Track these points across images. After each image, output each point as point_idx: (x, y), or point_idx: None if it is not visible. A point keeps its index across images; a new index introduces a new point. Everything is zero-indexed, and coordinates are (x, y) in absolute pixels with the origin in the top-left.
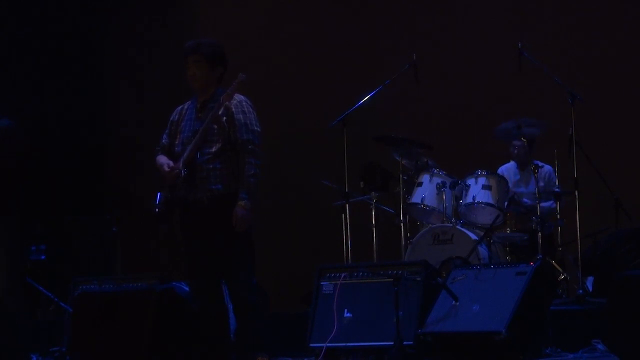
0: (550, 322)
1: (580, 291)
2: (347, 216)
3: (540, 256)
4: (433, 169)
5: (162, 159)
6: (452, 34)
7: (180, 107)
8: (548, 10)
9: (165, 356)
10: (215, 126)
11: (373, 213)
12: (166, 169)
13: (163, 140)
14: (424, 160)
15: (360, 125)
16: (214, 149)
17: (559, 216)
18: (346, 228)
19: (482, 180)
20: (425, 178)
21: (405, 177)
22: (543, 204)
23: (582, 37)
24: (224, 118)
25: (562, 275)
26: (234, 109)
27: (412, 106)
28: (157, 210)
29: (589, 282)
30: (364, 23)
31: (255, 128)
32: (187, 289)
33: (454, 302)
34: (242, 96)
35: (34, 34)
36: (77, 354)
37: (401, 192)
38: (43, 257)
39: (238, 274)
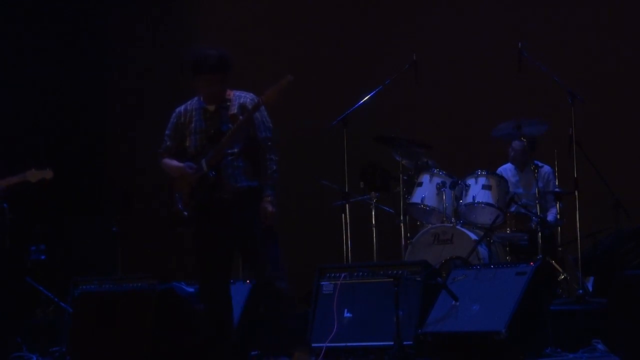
0: (550, 322)
1: (580, 291)
2: (347, 216)
3: (540, 256)
4: (433, 169)
5: (174, 162)
6: (452, 34)
7: (182, 108)
8: (548, 10)
9: (165, 356)
10: (233, 126)
11: (373, 213)
12: (189, 171)
13: (167, 143)
14: (424, 160)
15: (360, 125)
16: (236, 149)
17: (558, 216)
18: (346, 228)
19: (482, 180)
20: (425, 178)
21: (405, 177)
22: (549, 217)
23: (582, 37)
24: (240, 117)
25: (562, 275)
26: (249, 108)
27: (412, 106)
28: (185, 213)
29: (589, 282)
30: (364, 23)
31: (270, 125)
32: (187, 289)
33: (454, 302)
34: (253, 94)
35: (34, 34)
36: (77, 354)
37: (401, 192)
38: (43, 257)
39: (266, 265)
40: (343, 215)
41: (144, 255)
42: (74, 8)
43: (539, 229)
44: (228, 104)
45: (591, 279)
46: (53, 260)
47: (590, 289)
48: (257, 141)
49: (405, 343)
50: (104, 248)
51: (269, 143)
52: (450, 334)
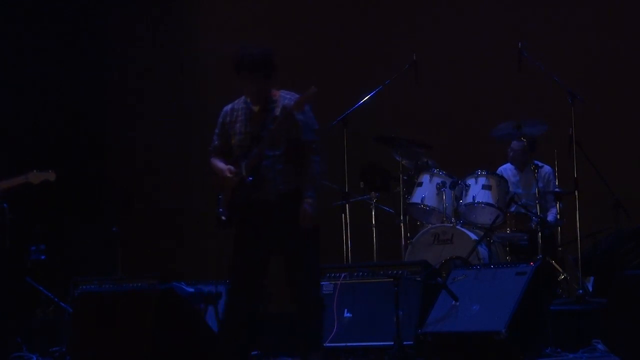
0: (550, 322)
1: (580, 291)
2: (347, 216)
3: (540, 256)
4: (433, 169)
5: (220, 164)
6: (452, 34)
7: (229, 107)
8: (548, 10)
9: (165, 356)
10: (275, 127)
11: (373, 213)
12: (228, 174)
13: (215, 142)
14: (424, 160)
15: (360, 125)
16: (278, 152)
17: (558, 216)
18: (346, 228)
19: (482, 180)
20: (425, 178)
21: (405, 177)
22: (549, 217)
23: (582, 37)
24: (283, 120)
25: (562, 275)
26: (296, 112)
27: (412, 106)
28: (223, 217)
29: (589, 282)
30: (364, 23)
31: (316, 127)
32: (187, 289)
33: (454, 302)
34: (297, 95)
35: (34, 34)
36: (77, 354)
37: (401, 192)
38: (43, 257)
39: (305, 268)
40: (343, 215)
41: (144, 255)
42: (74, 8)
43: (539, 229)
44: (273, 105)
45: (591, 279)
46: (53, 260)
47: (590, 289)
48: (301, 143)
49: (405, 343)
50: (104, 248)
51: (314, 146)
52: (450, 334)
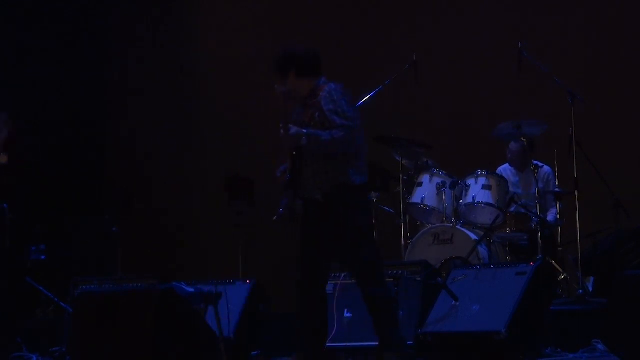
0: (550, 322)
1: (580, 291)
2: None
3: (540, 256)
4: (433, 169)
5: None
6: (452, 34)
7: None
8: (548, 10)
9: (166, 356)
10: (312, 124)
11: (373, 213)
12: (277, 175)
13: None
14: (424, 160)
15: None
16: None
17: (558, 216)
18: None
19: (482, 180)
20: (425, 178)
21: (405, 177)
22: (549, 217)
23: (582, 37)
24: (317, 114)
25: (562, 275)
26: (322, 102)
27: (412, 106)
28: (274, 217)
29: (589, 282)
30: (364, 23)
31: (348, 114)
32: (187, 289)
33: (454, 302)
34: (332, 84)
35: (34, 34)
36: (77, 354)
37: (401, 192)
38: (43, 257)
39: (362, 268)
40: None
41: (144, 255)
42: (74, 8)
43: (539, 229)
44: (313, 100)
45: (591, 279)
46: (53, 260)
47: (590, 289)
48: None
49: None
50: (104, 248)
51: (339, 128)
52: (450, 334)
